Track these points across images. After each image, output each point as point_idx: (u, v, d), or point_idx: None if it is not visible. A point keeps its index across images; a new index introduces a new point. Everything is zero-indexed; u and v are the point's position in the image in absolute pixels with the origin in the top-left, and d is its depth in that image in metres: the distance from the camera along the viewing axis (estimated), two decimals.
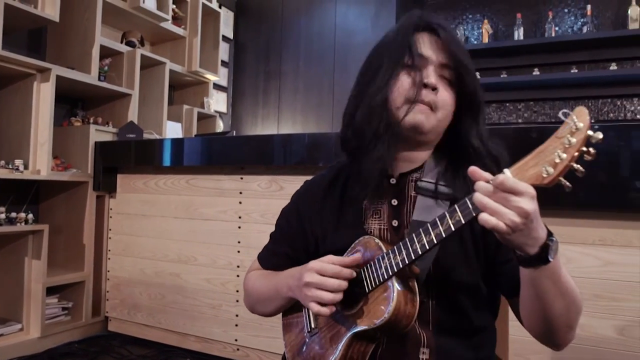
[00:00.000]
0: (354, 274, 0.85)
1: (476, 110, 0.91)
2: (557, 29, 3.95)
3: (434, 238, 0.74)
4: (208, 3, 4.11)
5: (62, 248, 2.80)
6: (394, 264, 0.80)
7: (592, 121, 3.34)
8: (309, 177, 1.10)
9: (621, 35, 3.62)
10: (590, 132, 0.62)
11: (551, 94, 3.91)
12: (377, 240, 0.86)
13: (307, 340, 0.95)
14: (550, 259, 0.69)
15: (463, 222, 0.71)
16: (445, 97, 0.89)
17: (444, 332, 0.87)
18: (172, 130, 3.62)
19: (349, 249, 0.90)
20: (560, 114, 0.65)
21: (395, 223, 0.92)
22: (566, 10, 3.99)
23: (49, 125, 2.56)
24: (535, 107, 4.05)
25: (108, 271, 2.79)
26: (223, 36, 4.42)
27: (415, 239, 0.77)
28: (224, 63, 4.61)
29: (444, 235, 0.73)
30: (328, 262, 0.85)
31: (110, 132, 2.93)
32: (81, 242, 2.74)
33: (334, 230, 0.96)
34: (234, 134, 3.46)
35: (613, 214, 1.57)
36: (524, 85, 3.99)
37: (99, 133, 2.84)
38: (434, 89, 0.87)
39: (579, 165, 0.63)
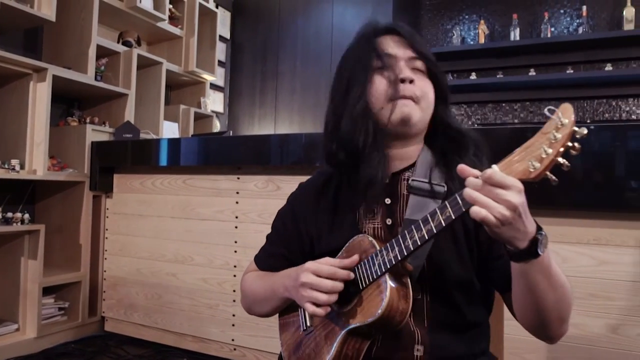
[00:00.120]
0: (352, 275, 0.86)
1: (447, 98, 0.96)
2: (553, 29, 3.97)
3: (425, 234, 0.76)
4: (205, 3, 4.10)
5: (58, 248, 2.80)
6: (386, 260, 0.81)
7: (588, 121, 3.35)
8: (306, 177, 1.11)
9: (616, 36, 3.65)
10: (575, 128, 0.64)
11: (547, 94, 3.93)
12: (370, 238, 0.87)
13: (302, 338, 0.96)
14: (540, 253, 0.71)
15: (453, 217, 0.72)
16: (423, 86, 0.92)
17: (439, 328, 0.88)
18: (169, 130, 3.62)
19: (344, 248, 0.91)
20: (545, 111, 0.67)
21: (389, 221, 0.93)
22: (562, 11, 4.01)
23: (45, 125, 2.56)
24: (531, 108, 4.07)
25: (104, 271, 2.79)
26: (220, 36, 4.42)
27: (407, 235, 0.79)
28: (220, 63, 4.61)
29: (435, 231, 0.75)
30: (324, 264, 0.86)
31: (106, 132, 2.93)
32: (77, 242, 2.74)
33: (329, 231, 0.97)
34: (231, 134, 3.46)
35: (608, 214, 1.58)
36: (520, 86, 4.01)
37: (96, 133, 2.84)
38: (411, 81, 0.90)
39: (564, 160, 0.65)
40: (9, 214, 2.49)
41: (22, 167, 2.52)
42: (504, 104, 4.17)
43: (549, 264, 0.74)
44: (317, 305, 0.84)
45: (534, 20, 4.07)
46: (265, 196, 2.28)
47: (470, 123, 4.28)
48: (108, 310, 2.76)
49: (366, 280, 0.84)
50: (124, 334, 2.71)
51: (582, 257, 1.61)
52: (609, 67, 3.73)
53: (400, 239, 0.80)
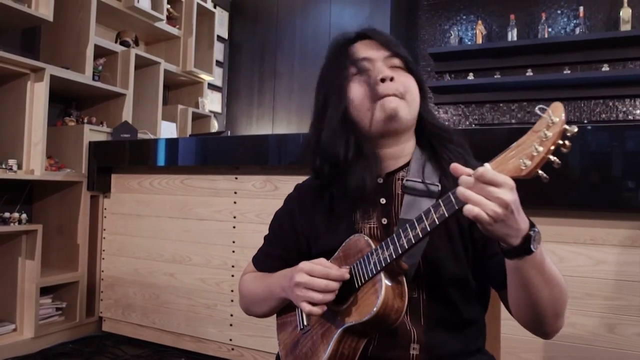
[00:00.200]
0: (347, 275, 0.86)
1: (426, 94, 0.98)
2: (550, 30, 3.98)
3: (419, 232, 0.77)
4: (203, 3, 4.10)
5: (56, 248, 2.79)
6: (381, 259, 0.82)
7: (585, 121, 3.36)
8: (304, 177, 1.11)
9: (613, 36, 3.66)
10: (565, 126, 0.65)
11: (544, 94, 3.94)
12: (366, 238, 0.88)
13: (299, 338, 0.97)
14: (533, 249, 0.71)
15: (447, 215, 0.73)
16: (405, 81, 0.93)
17: (435, 326, 0.89)
18: (167, 130, 3.62)
19: (340, 248, 0.92)
20: (536, 109, 0.68)
21: (384, 221, 0.94)
22: (559, 12, 4.02)
23: (42, 125, 2.55)
24: (528, 108, 4.09)
25: (102, 271, 2.78)
26: (218, 36, 4.42)
27: (402, 234, 0.79)
28: (218, 63, 4.61)
29: (429, 229, 0.76)
30: (317, 264, 0.87)
31: (104, 132, 2.92)
32: (75, 242, 2.73)
33: (326, 231, 0.98)
34: (229, 134, 3.45)
35: (605, 214, 1.59)
36: (518, 86, 4.02)
37: (93, 133, 2.84)
38: (391, 79, 0.91)
39: (555, 158, 0.66)
40: (7, 214, 2.48)
41: (19, 167, 2.51)
42: (501, 104, 4.18)
43: (543, 260, 0.75)
44: (313, 304, 0.85)
45: (531, 21, 4.08)
46: (263, 196, 2.28)
47: (467, 123, 4.29)
48: (106, 311, 2.76)
49: (362, 279, 0.85)
50: (122, 334, 2.70)
51: (579, 256, 1.61)
52: (605, 68, 3.75)
53: (395, 238, 0.80)
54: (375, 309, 0.80)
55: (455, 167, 0.72)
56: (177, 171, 2.55)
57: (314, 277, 0.85)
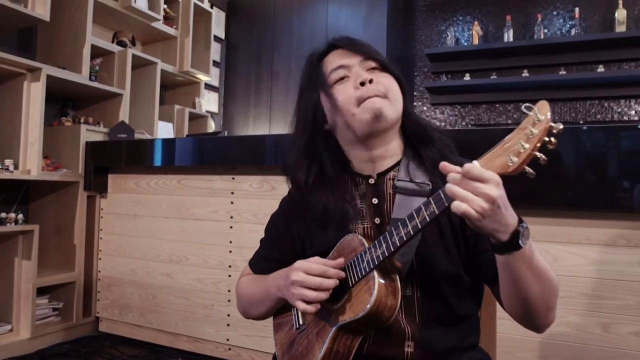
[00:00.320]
0: (342, 273, 0.87)
1: (406, 92, 0.98)
2: (546, 31, 4.00)
3: (410, 230, 0.78)
4: (200, 3, 4.10)
5: (52, 248, 2.79)
6: (374, 257, 0.83)
7: (581, 122, 3.37)
8: None
9: (608, 37, 3.69)
10: (551, 123, 0.66)
11: (540, 95, 3.96)
12: (360, 237, 0.89)
13: (295, 337, 0.98)
14: (522, 245, 0.72)
15: (437, 212, 0.75)
16: (384, 80, 0.94)
17: (430, 323, 0.90)
18: (164, 130, 3.62)
19: (335, 248, 0.93)
20: (522, 108, 0.69)
21: (377, 221, 0.95)
22: (555, 13, 4.04)
23: (39, 125, 2.55)
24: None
25: (99, 271, 2.78)
26: (215, 36, 4.42)
27: (394, 232, 0.81)
28: (215, 63, 4.61)
29: (419, 227, 0.77)
30: (314, 262, 0.88)
31: (101, 132, 2.92)
32: (72, 243, 2.73)
33: (320, 232, 0.99)
34: (226, 134, 3.46)
35: (599, 214, 1.60)
36: (514, 87, 4.04)
37: (90, 133, 2.83)
38: (370, 81, 0.92)
39: (541, 154, 0.67)
40: (3, 214, 2.48)
41: (16, 167, 2.51)
42: (497, 105, 4.20)
43: (532, 255, 0.76)
44: (308, 302, 0.86)
45: (527, 22, 4.10)
46: (260, 196, 2.29)
47: (464, 124, 4.30)
48: (102, 311, 2.76)
49: (355, 277, 0.87)
50: (119, 334, 2.70)
51: (573, 256, 1.63)
52: (601, 69, 3.77)
53: (387, 236, 0.82)
54: (368, 306, 0.82)
55: (445, 165, 0.73)
56: (174, 171, 2.55)
57: (310, 275, 0.86)
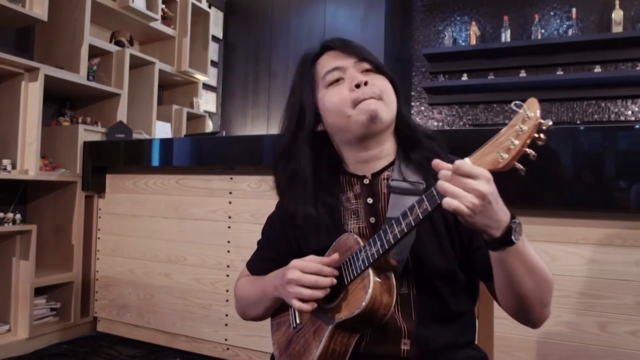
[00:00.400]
0: (336, 272, 0.88)
1: (399, 94, 0.98)
2: (543, 31, 4.01)
3: (404, 227, 0.79)
4: (197, 3, 4.10)
5: (50, 248, 2.79)
6: (369, 255, 0.84)
7: (578, 122, 3.38)
8: None
9: (605, 38, 3.70)
10: (540, 120, 0.67)
11: (537, 95, 3.81)
12: (355, 236, 0.90)
13: (292, 336, 0.98)
14: (515, 240, 0.73)
15: (430, 209, 0.75)
16: (379, 82, 0.95)
17: (426, 321, 0.91)
18: (162, 130, 3.61)
19: (331, 248, 0.94)
20: (512, 105, 0.70)
21: (372, 220, 0.96)
22: (552, 13, 4.06)
23: (37, 125, 2.55)
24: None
25: (97, 271, 2.78)
26: (212, 36, 4.42)
27: (388, 230, 0.82)
28: (213, 63, 4.60)
29: (413, 224, 0.78)
30: (309, 261, 0.89)
31: (99, 132, 2.92)
32: (70, 243, 2.73)
33: (316, 232, 1.00)
34: (224, 134, 3.46)
35: (596, 214, 1.61)
36: (511, 87, 4.05)
37: (88, 133, 2.83)
38: (365, 83, 0.93)
39: (531, 150, 0.68)
40: (1, 214, 2.47)
41: (13, 167, 2.50)
42: (495, 105, 4.21)
43: (525, 250, 0.77)
44: (304, 301, 0.86)
45: (524, 22, 4.11)
46: (259, 196, 2.29)
47: (462, 124, 4.31)
48: (100, 311, 2.76)
49: (351, 275, 0.87)
50: (117, 334, 2.70)
51: (570, 256, 1.63)
52: (598, 69, 3.79)
53: (382, 234, 0.83)
54: (364, 304, 0.82)
55: (437, 162, 0.74)
56: (172, 171, 2.55)
57: (306, 273, 0.87)
